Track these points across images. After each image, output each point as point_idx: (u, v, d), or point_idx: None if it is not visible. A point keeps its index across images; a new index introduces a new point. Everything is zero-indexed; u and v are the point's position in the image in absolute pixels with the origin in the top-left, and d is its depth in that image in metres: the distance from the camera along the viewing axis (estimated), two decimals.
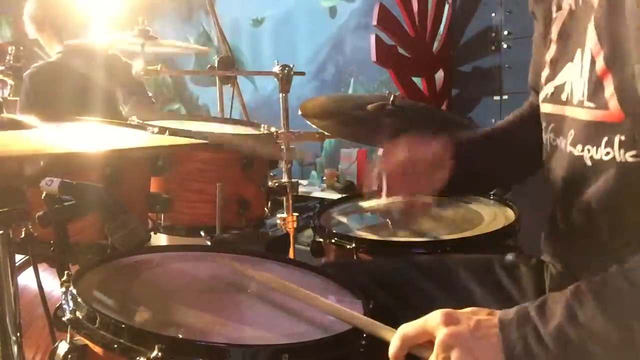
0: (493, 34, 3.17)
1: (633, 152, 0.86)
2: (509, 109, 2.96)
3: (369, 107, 1.83)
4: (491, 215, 1.63)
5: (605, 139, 0.89)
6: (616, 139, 0.88)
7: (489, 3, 3.22)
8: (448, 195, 1.65)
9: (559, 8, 1.01)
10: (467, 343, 0.80)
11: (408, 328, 0.86)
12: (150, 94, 3.04)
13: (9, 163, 0.97)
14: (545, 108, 1.08)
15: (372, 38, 3.21)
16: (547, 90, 1.07)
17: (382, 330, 0.91)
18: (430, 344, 0.84)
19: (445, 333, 0.82)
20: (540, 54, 1.11)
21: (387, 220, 1.68)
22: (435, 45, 3.40)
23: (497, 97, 3.13)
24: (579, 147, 0.95)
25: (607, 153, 0.89)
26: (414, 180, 1.27)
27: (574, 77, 0.97)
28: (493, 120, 3.05)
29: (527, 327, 0.80)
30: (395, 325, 0.90)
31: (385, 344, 0.89)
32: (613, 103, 0.87)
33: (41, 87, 2.65)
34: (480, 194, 1.73)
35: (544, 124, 1.10)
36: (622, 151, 0.87)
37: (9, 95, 2.97)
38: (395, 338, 0.86)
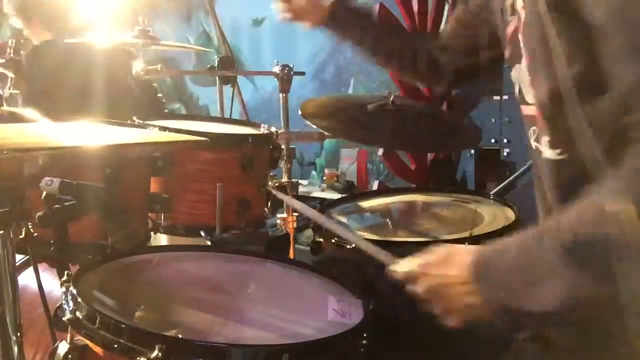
0: None
1: (557, 150, 0.95)
2: (509, 109, 2.97)
3: (369, 107, 1.83)
4: (491, 215, 1.63)
5: (543, 137, 0.98)
6: (545, 140, 0.97)
7: None
8: None
9: (513, 13, 1.06)
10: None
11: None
12: (160, 94, 3.04)
13: (9, 163, 0.96)
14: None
15: None
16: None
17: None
18: None
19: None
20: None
21: (387, 220, 1.68)
22: None
23: (497, 97, 3.12)
24: (540, 143, 1.01)
25: (544, 151, 0.98)
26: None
27: (522, 78, 1.04)
28: (493, 120, 3.05)
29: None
30: (395, 326, 0.91)
31: (386, 345, 0.90)
32: (537, 106, 0.98)
33: (42, 60, 2.66)
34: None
35: None
36: (550, 151, 0.96)
37: (9, 88, 2.96)
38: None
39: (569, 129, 0.88)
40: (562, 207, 0.95)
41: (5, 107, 1.08)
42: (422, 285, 0.96)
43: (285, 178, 1.97)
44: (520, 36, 1.00)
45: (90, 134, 1.20)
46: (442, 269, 0.95)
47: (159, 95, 3.07)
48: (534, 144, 1.03)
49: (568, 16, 0.85)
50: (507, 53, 1.10)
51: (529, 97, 1.01)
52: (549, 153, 0.97)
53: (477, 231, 1.54)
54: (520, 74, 1.04)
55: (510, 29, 1.06)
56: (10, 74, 2.90)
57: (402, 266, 1.00)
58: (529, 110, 1.02)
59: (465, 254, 0.94)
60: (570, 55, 0.86)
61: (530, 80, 0.98)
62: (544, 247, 0.83)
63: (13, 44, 2.93)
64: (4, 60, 2.87)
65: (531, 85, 0.99)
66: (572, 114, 0.86)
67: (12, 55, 2.91)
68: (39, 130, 1.06)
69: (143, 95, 2.87)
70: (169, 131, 1.60)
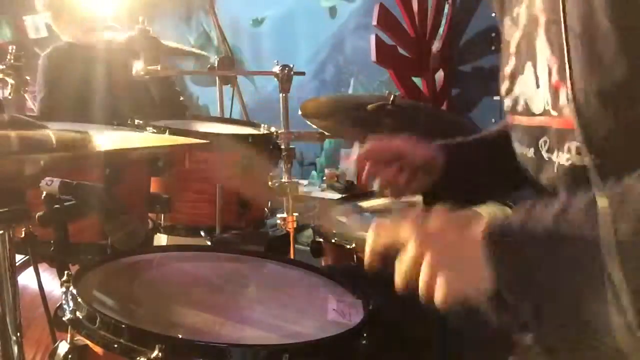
0: (493, 34, 3.17)
1: (587, 158, 0.88)
2: None
3: (369, 107, 1.83)
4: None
5: (566, 145, 0.93)
6: (573, 145, 0.91)
7: (489, 3, 3.22)
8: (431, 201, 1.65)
9: (515, 24, 1.04)
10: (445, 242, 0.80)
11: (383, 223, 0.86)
12: (182, 98, 3.01)
13: (10, 164, 0.96)
14: (509, 119, 1.12)
15: (372, 38, 3.21)
16: (507, 102, 1.10)
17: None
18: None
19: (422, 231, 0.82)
20: (503, 66, 1.14)
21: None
22: (435, 45, 3.40)
23: (497, 97, 3.11)
24: (553, 153, 0.98)
25: (567, 159, 0.93)
26: (396, 174, 1.26)
27: (528, 88, 1.00)
28: (493, 120, 3.05)
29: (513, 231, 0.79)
30: (395, 326, 0.90)
31: (386, 345, 0.89)
32: (566, 112, 0.91)
33: (58, 62, 2.71)
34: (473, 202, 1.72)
35: (511, 132, 1.12)
36: (578, 157, 0.91)
37: (9, 94, 2.96)
38: (370, 231, 0.86)
39: (610, 134, 0.84)
40: None
41: (5, 114, 1.08)
42: (427, 249, 0.81)
43: (285, 178, 1.97)
44: (540, 39, 0.95)
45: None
46: (452, 231, 0.82)
47: (181, 98, 3.06)
48: (546, 155, 0.98)
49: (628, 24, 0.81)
50: (509, 67, 1.08)
51: (536, 106, 0.98)
52: (575, 159, 0.91)
53: None
54: (525, 85, 1.01)
55: (515, 40, 1.04)
56: (11, 80, 2.90)
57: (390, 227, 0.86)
58: (536, 121, 0.99)
59: (478, 217, 0.83)
60: (619, 59, 0.81)
61: (556, 82, 0.92)
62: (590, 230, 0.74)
63: (14, 50, 2.93)
64: (4, 67, 2.87)
65: (555, 88, 0.92)
66: (615, 117, 0.83)
67: (12, 61, 2.91)
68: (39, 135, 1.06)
69: (163, 97, 2.87)
70: (169, 132, 1.60)
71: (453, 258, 0.81)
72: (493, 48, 3.16)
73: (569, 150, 0.93)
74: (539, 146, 1.00)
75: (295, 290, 1.20)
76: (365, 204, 1.85)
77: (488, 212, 1.66)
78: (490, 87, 3.15)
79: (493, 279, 0.78)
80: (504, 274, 0.78)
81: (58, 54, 2.75)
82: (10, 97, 2.80)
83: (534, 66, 0.98)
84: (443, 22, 3.39)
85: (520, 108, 1.04)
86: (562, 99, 0.92)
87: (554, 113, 0.95)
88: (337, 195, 3.34)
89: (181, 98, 3.03)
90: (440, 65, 3.39)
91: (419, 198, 1.87)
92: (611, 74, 0.82)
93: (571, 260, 0.76)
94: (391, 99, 1.87)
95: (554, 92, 0.94)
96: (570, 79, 0.86)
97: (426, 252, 0.80)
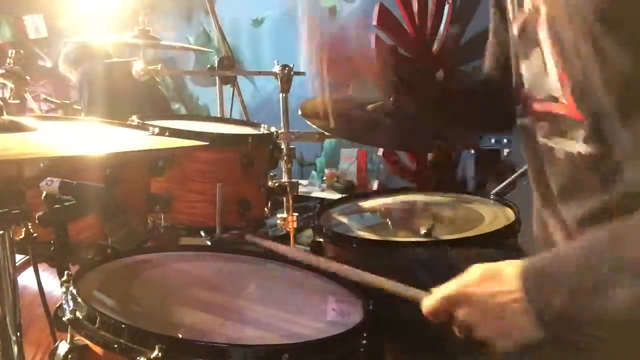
0: None
1: (592, 147, 0.90)
2: None
3: (369, 107, 1.83)
4: (491, 215, 1.63)
5: (573, 133, 0.93)
6: (580, 134, 0.92)
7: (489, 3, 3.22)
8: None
9: (520, 6, 1.04)
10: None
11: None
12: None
13: (10, 165, 0.96)
14: (515, 93, 1.12)
15: (372, 38, 3.21)
16: (515, 80, 1.10)
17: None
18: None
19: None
20: (505, 42, 1.15)
21: (387, 220, 1.68)
22: (435, 45, 3.40)
23: None
24: (554, 139, 0.99)
25: (573, 147, 0.94)
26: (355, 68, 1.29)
27: (533, 73, 1.01)
28: None
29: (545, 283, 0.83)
30: (395, 327, 0.90)
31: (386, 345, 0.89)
32: (571, 103, 0.92)
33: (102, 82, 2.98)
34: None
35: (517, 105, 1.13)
36: (584, 146, 0.91)
37: (9, 98, 2.97)
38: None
39: (610, 123, 0.85)
40: (575, 202, 0.94)
41: (5, 117, 1.08)
42: (467, 309, 0.88)
43: (285, 178, 1.96)
44: (542, 30, 0.95)
45: (91, 139, 1.20)
46: (487, 285, 0.87)
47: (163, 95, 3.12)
48: (542, 140, 1.00)
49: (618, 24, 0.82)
50: (514, 48, 1.08)
51: (544, 92, 0.98)
52: (579, 147, 0.92)
53: (477, 231, 1.54)
54: (532, 69, 1.01)
55: (518, 23, 1.04)
56: (11, 84, 2.90)
57: (438, 294, 0.92)
58: (540, 106, 1.00)
59: (510, 266, 0.87)
60: (617, 55, 0.82)
61: (561, 74, 0.93)
62: (610, 251, 0.80)
63: (13, 54, 2.93)
64: (4, 71, 2.88)
65: (561, 79, 0.93)
66: (620, 108, 0.83)
67: (12, 65, 2.91)
68: (40, 138, 1.06)
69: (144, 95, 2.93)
70: (169, 132, 1.60)
71: (492, 313, 0.86)
72: None
73: (576, 139, 0.92)
74: (537, 130, 1.01)
75: (295, 290, 1.20)
76: (365, 204, 1.85)
77: (488, 212, 1.66)
78: None
79: (538, 316, 0.82)
80: (551, 308, 0.82)
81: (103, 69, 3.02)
82: (10, 101, 2.80)
83: (542, 52, 0.98)
84: (443, 22, 3.39)
85: (526, 90, 1.04)
86: (568, 90, 0.92)
87: (563, 101, 0.95)
88: (337, 195, 3.35)
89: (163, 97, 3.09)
90: (440, 65, 3.40)
91: (418, 198, 1.88)
92: (616, 66, 0.82)
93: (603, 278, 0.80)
94: (391, 99, 1.87)
95: (563, 82, 0.94)
96: (574, 70, 0.88)
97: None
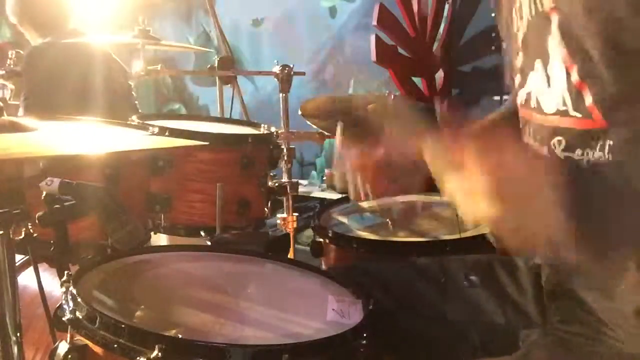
0: (493, 34, 3.17)
1: (621, 154, 0.88)
2: None
3: (369, 107, 1.83)
4: None
5: (596, 144, 0.91)
6: (607, 144, 0.90)
7: (489, 3, 3.22)
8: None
9: (520, 17, 1.02)
10: None
11: None
12: (136, 102, 2.95)
13: (10, 165, 0.97)
14: (521, 112, 1.10)
15: (372, 38, 3.21)
16: (520, 96, 1.08)
17: None
18: None
19: None
20: (513, 58, 1.11)
21: (387, 220, 1.68)
22: (435, 45, 3.40)
23: (497, 97, 3.12)
24: (577, 151, 0.95)
25: (600, 157, 0.91)
26: (391, 184, 1.25)
27: (539, 86, 0.98)
28: None
29: None
30: (395, 328, 0.90)
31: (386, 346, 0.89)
32: (596, 114, 0.90)
33: (40, 61, 2.66)
34: None
35: (522, 126, 1.10)
36: (610, 155, 0.89)
37: (9, 98, 2.97)
38: None
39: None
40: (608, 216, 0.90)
41: (5, 117, 1.07)
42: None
43: (285, 178, 1.97)
44: (554, 40, 0.93)
45: (90, 139, 1.20)
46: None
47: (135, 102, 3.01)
48: (562, 154, 0.97)
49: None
50: (519, 61, 1.06)
51: (550, 106, 0.96)
52: (605, 158, 0.90)
53: (477, 231, 1.54)
54: (536, 83, 0.99)
55: (521, 33, 1.03)
56: (11, 85, 2.90)
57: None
58: (549, 120, 0.97)
59: None
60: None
61: (578, 82, 0.91)
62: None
63: (13, 55, 2.93)
64: (4, 72, 2.88)
65: (586, 90, 0.90)
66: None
67: (12, 66, 2.91)
68: (39, 138, 1.06)
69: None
70: (168, 132, 1.60)
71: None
72: (493, 48, 3.16)
73: (601, 149, 0.90)
74: (552, 146, 0.98)
75: (295, 290, 1.20)
76: (365, 204, 1.85)
77: None
78: (490, 87, 3.15)
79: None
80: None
81: (32, 53, 2.73)
82: (10, 101, 2.80)
83: (545, 65, 0.96)
84: (443, 22, 3.39)
85: (533, 104, 1.02)
86: (588, 100, 0.90)
87: (575, 114, 0.92)
88: (337, 195, 3.34)
89: (135, 102, 2.97)
90: (440, 65, 3.40)
91: (418, 198, 1.88)
92: None
93: None
94: (391, 99, 1.87)
95: (577, 93, 0.91)
96: (599, 78, 0.86)
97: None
